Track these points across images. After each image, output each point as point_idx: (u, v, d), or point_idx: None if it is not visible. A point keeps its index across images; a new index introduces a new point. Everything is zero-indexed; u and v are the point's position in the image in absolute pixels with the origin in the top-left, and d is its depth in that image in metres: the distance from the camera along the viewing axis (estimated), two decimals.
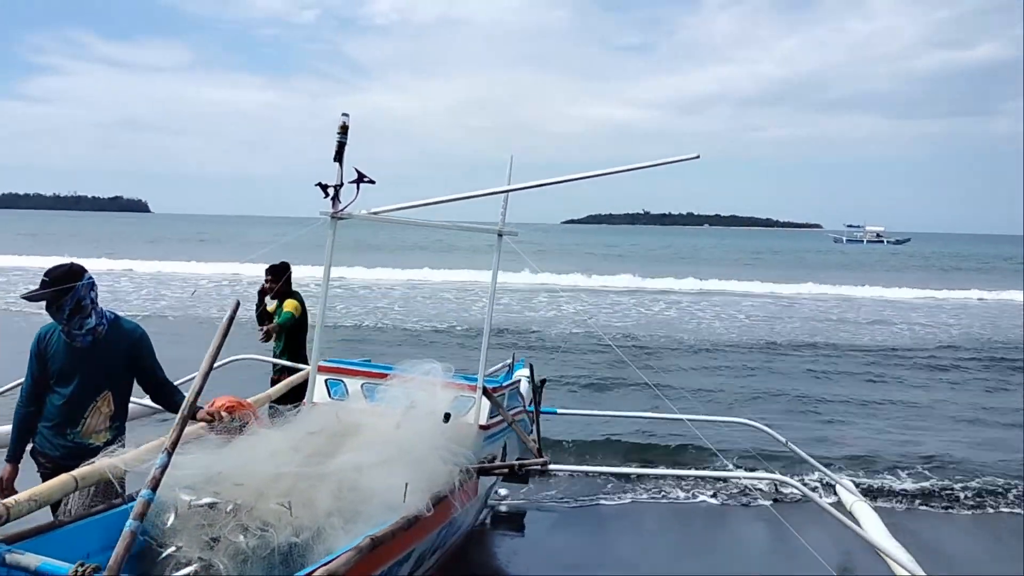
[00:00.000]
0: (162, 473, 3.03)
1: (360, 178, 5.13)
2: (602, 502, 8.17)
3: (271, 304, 8.19)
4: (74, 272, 4.52)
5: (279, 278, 8.00)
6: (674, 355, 17.12)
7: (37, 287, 4.48)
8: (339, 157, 5.13)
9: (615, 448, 9.61)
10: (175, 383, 5.05)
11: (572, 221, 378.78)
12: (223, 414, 4.78)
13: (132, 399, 4.90)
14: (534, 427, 7.76)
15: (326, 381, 5.78)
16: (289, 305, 7.99)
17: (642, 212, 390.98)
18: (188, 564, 3.50)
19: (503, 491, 8.32)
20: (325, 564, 3.11)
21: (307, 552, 3.59)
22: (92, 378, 4.59)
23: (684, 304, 28.27)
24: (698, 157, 4.95)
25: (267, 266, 8.23)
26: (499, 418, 5.73)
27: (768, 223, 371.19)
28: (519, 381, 6.32)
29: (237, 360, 8.08)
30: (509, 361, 8.56)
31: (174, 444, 3.06)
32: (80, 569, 2.72)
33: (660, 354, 17.04)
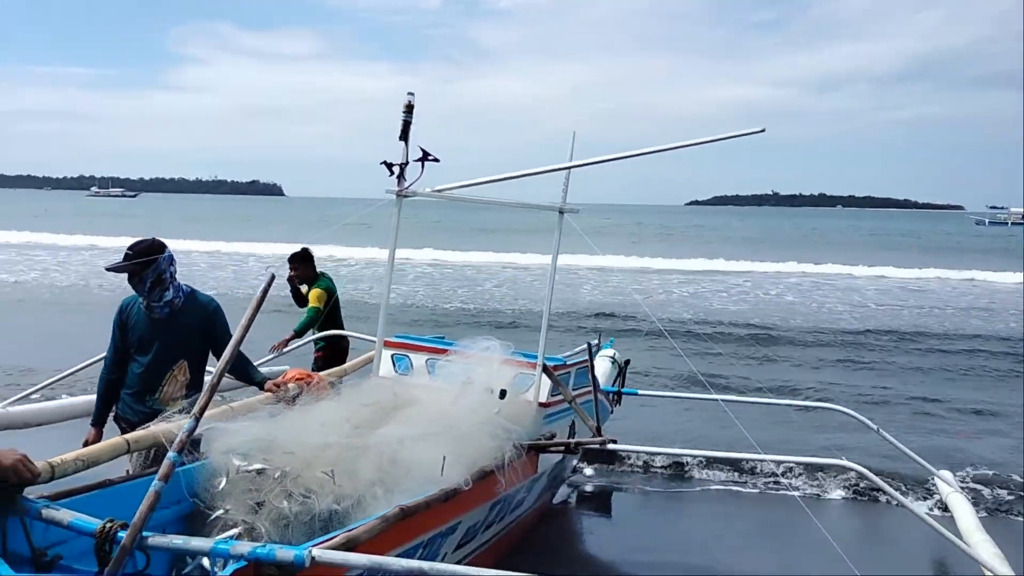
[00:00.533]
0: (188, 437, 3.15)
1: (425, 156, 5.17)
2: (690, 488, 8.08)
3: (304, 289, 8.29)
4: (155, 247, 4.77)
5: (301, 265, 8.13)
6: (784, 342, 16.58)
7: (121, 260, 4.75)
8: (404, 136, 5.17)
9: (693, 432, 9.39)
10: (255, 362, 5.24)
11: (696, 203, 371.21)
12: (290, 385, 4.94)
13: (209, 368, 5.12)
14: (613, 407, 7.69)
15: (392, 356, 5.89)
16: (313, 297, 8.01)
17: (771, 193, 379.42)
18: (234, 527, 3.64)
19: (588, 471, 8.30)
20: (348, 531, 3.17)
21: (346, 520, 3.66)
22: (169, 348, 4.83)
23: (804, 288, 27.33)
24: (763, 131, 4.77)
25: (289, 255, 8.23)
26: (561, 396, 5.69)
27: (905, 204, 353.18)
28: (587, 360, 6.26)
29: (323, 336, 8.26)
30: (596, 341, 8.49)
31: (202, 410, 3.17)
32: (108, 525, 2.87)
33: (774, 341, 16.53)
